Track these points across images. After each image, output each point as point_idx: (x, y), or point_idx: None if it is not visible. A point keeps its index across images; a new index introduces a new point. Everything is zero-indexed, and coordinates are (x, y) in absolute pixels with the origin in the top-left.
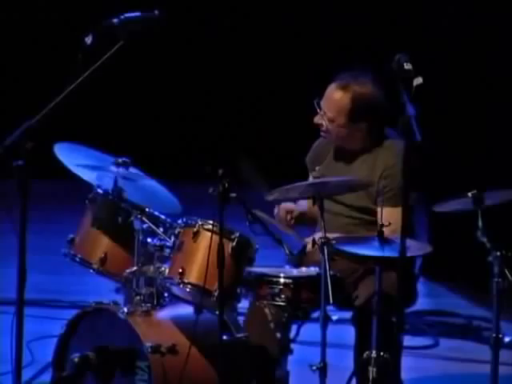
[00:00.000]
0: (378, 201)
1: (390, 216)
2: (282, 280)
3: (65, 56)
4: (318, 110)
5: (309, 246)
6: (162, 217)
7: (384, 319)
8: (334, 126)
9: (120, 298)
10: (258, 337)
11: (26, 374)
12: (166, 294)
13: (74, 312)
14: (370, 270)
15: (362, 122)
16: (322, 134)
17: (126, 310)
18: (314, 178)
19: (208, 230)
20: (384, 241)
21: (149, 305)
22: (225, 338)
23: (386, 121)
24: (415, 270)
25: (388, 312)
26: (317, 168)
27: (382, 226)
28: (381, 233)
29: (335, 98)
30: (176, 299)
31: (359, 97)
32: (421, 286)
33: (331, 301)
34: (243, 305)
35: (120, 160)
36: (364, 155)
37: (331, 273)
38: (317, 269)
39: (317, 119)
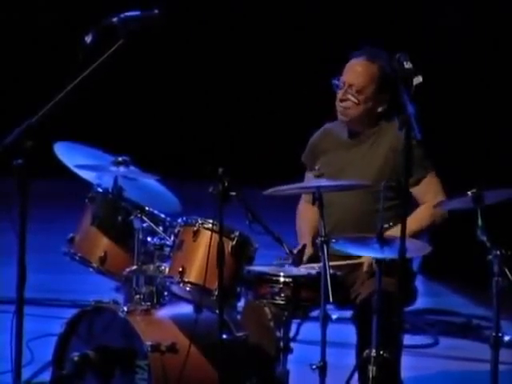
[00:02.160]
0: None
1: (429, 189)
2: (281, 279)
3: (65, 55)
4: (340, 87)
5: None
6: (162, 216)
7: (384, 317)
8: (363, 98)
9: (120, 297)
10: (258, 336)
11: (26, 373)
12: (165, 293)
13: (73, 311)
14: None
15: (386, 92)
16: (340, 113)
17: (125, 308)
18: (315, 176)
19: (208, 228)
20: (384, 241)
21: (149, 304)
22: (225, 336)
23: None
24: (413, 268)
25: (388, 310)
26: (316, 167)
27: (382, 228)
28: (380, 234)
29: (363, 68)
30: (176, 298)
31: (385, 67)
32: (420, 285)
33: (331, 300)
34: (243, 303)
35: (120, 159)
36: (367, 139)
37: (331, 272)
38: (316, 268)
39: (342, 94)
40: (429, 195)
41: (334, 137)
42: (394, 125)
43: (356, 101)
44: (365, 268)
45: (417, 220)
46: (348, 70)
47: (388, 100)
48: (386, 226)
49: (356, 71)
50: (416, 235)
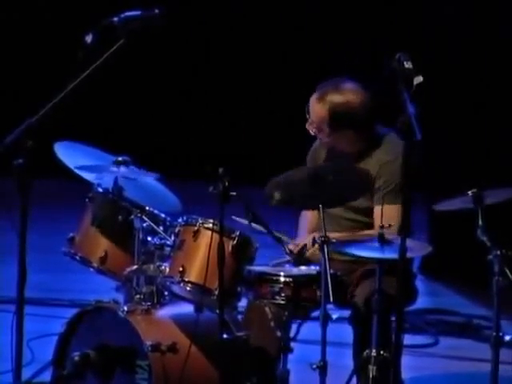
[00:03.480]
0: (374, 199)
1: (388, 214)
2: (282, 279)
3: (65, 55)
4: (307, 117)
5: (309, 245)
6: (162, 215)
7: (382, 318)
8: (321, 135)
9: (120, 297)
10: (259, 335)
11: (27, 373)
12: (166, 293)
13: (74, 311)
14: (369, 270)
15: (344, 129)
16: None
17: (126, 308)
18: None
19: (208, 228)
20: (384, 242)
21: (149, 303)
22: (225, 336)
23: (376, 122)
24: (413, 269)
25: (386, 311)
26: None
27: (382, 226)
28: (381, 233)
29: (315, 109)
30: (176, 298)
31: (336, 107)
32: (421, 285)
33: (331, 299)
34: (243, 303)
35: (120, 159)
36: (363, 158)
37: (331, 272)
38: (317, 267)
39: (307, 126)
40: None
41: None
42: (383, 146)
43: (316, 132)
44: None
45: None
46: (310, 103)
47: (352, 134)
48: (387, 225)
49: (311, 110)
50: None
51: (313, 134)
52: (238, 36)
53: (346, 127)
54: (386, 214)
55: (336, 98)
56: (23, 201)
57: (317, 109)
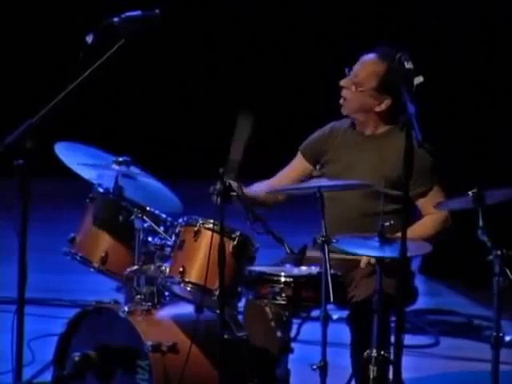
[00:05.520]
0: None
1: (431, 201)
2: (282, 279)
3: (65, 55)
4: (348, 75)
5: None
6: (163, 216)
7: (381, 317)
8: (360, 92)
9: (121, 297)
10: (259, 336)
11: (27, 373)
12: (166, 293)
13: (74, 311)
14: (369, 270)
15: (388, 95)
16: (341, 101)
17: (126, 308)
18: (315, 176)
19: (209, 228)
20: (384, 240)
21: (149, 304)
22: (226, 336)
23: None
24: (412, 268)
25: (385, 311)
26: (317, 167)
27: (383, 226)
28: (381, 232)
29: (372, 61)
30: (177, 298)
31: (394, 68)
32: (421, 285)
33: (332, 300)
34: (243, 303)
35: (120, 159)
36: (375, 141)
37: (332, 271)
38: (317, 268)
39: (343, 82)
40: (432, 207)
41: (342, 135)
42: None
43: (354, 89)
44: (362, 265)
45: (421, 229)
46: (359, 61)
47: (389, 104)
48: (387, 223)
49: (364, 64)
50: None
51: (345, 91)
52: (238, 36)
53: (391, 93)
54: (433, 202)
55: (394, 64)
56: (23, 201)
57: (374, 62)
